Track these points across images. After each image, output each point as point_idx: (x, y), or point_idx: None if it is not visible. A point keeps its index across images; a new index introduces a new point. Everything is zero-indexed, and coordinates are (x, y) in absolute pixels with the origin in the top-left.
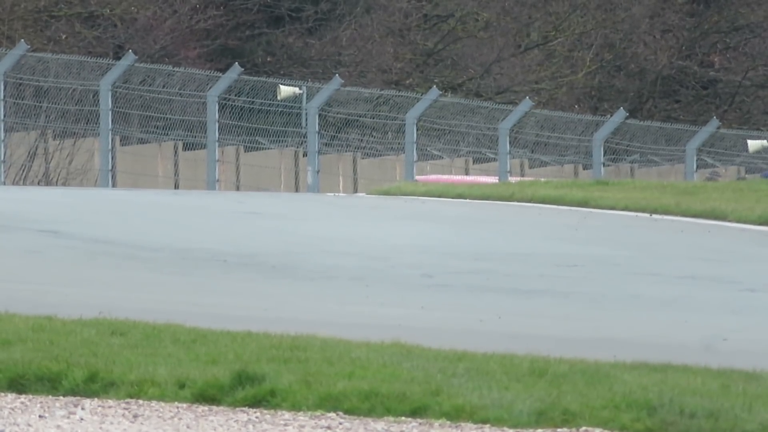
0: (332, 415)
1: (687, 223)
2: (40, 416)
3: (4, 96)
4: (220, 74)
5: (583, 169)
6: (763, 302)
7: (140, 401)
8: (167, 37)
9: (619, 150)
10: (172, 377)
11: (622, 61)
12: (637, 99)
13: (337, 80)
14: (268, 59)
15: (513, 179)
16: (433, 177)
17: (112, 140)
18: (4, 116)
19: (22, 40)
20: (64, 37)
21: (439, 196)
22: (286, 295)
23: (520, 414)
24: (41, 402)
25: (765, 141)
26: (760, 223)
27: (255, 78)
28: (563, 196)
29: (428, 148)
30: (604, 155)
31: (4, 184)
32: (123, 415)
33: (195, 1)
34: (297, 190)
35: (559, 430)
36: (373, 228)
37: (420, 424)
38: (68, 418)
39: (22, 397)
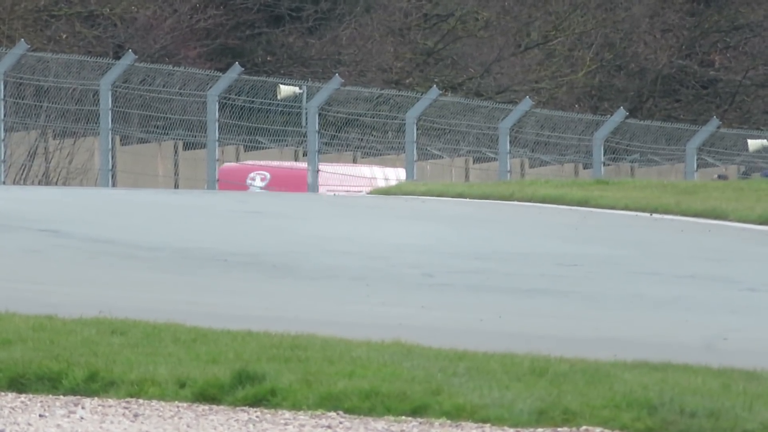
0: (333, 414)
1: (687, 223)
2: (40, 415)
3: (4, 95)
4: (220, 74)
5: (584, 168)
6: (763, 302)
7: (140, 400)
8: (167, 36)
9: (619, 149)
10: (172, 376)
11: (622, 60)
12: (637, 98)
13: (337, 80)
14: (268, 59)
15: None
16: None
17: (112, 140)
18: (5, 116)
19: (22, 39)
20: (64, 36)
21: (439, 196)
22: (287, 294)
23: (521, 413)
24: (41, 401)
25: (765, 140)
26: (761, 223)
27: (255, 77)
28: (563, 196)
29: (428, 148)
30: (604, 155)
31: (5, 183)
32: (123, 414)
33: (195, 1)
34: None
35: (559, 429)
36: (374, 227)
37: (420, 423)
38: (68, 417)
39: (23, 397)
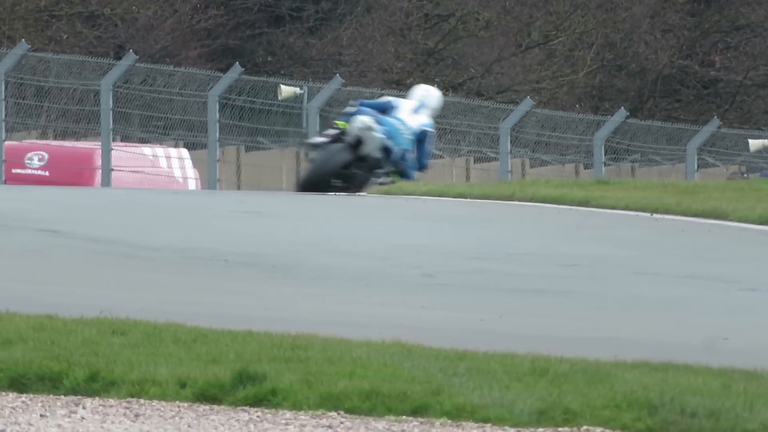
0: (333, 414)
1: (688, 223)
2: (41, 415)
3: (5, 96)
4: (221, 74)
5: (584, 168)
6: (764, 302)
7: (141, 400)
8: (168, 36)
9: (620, 149)
10: (173, 376)
11: (622, 60)
12: (637, 98)
13: (338, 80)
14: (269, 59)
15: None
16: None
17: (112, 140)
18: (5, 116)
19: (23, 39)
20: (65, 36)
21: (440, 196)
22: (287, 294)
23: (521, 413)
24: (42, 401)
25: (766, 140)
26: (761, 223)
27: (256, 78)
28: (564, 196)
29: None
30: (604, 155)
31: (5, 183)
32: (124, 414)
33: (196, 1)
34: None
35: (560, 429)
36: (374, 228)
37: (421, 423)
38: (69, 417)
39: (23, 397)
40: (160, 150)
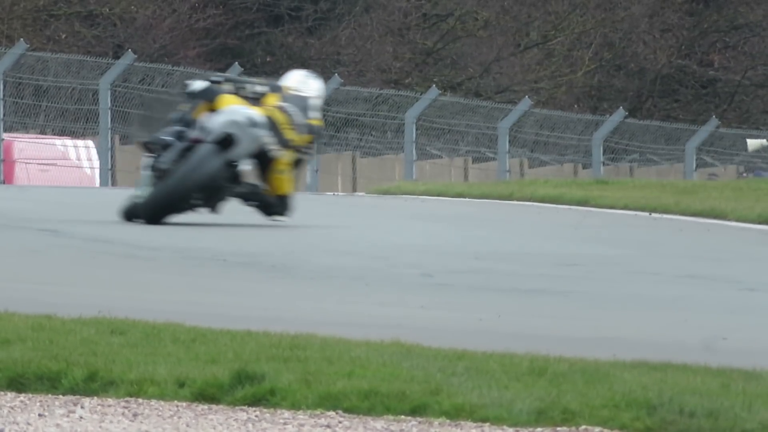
0: (332, 413)
1: (686, 222)
2: (39, 415)
3: (4, 95)
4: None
5: (583, 168)
6: (762, 301)
7: (140, 400)
8: (166, 36)
9: (619, 149)
10: (171, 376)
11: (621, 60)
12: (636, 98)
13: (337, 79)
14: (268, 59)
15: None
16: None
17: (111, 139)
18: (4, 115)
19: (22, 39)
20: (63, 36)
21: (439, 195)
22: (286, 294)
23: (520, 413)
24: (41, 401)
25: (764, 140)
26: (760, 222)
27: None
28: (563, 196)
29: (427, 148)
30: (603, 154)
31: (4, 183)
32: (122, 413)
33: (194, 1)
34: (296, 189)
35: (558, 428)
36: (373, 227)
37: (419, 422)
38: (68, 416)
39: (22, 396)
40: (69, 141)
